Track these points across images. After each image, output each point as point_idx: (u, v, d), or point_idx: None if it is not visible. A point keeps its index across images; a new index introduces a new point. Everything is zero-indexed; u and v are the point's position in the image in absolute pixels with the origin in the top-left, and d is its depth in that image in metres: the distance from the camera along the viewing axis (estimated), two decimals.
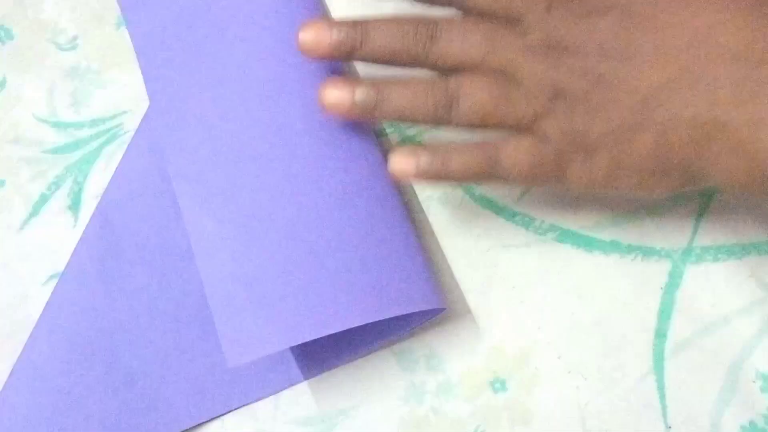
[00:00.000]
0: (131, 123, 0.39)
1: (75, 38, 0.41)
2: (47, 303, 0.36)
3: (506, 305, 0.36)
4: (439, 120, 0.33)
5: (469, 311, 0.36)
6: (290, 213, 0.35)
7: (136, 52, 0.38)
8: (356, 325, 0.33)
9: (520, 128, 0.32)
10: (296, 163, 0.36)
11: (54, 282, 0.37)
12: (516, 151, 0.32)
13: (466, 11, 0.33)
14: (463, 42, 0.32)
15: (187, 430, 0.35)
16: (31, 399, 0.35)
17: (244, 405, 0.35)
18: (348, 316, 0.33)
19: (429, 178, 0.33)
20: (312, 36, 0.34)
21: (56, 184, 0.38)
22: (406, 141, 0.39)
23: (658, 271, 0.36)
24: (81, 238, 0.37)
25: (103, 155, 0.39)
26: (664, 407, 0.35)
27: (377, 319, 0.33)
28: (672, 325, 0.36)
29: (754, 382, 0.35)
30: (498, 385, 0.35)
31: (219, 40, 0.38)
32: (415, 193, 0.38)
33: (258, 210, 0.35)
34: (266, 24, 0.38)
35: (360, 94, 0.33)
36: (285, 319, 0.34)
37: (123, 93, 0.39)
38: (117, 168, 0.38)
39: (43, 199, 0.38)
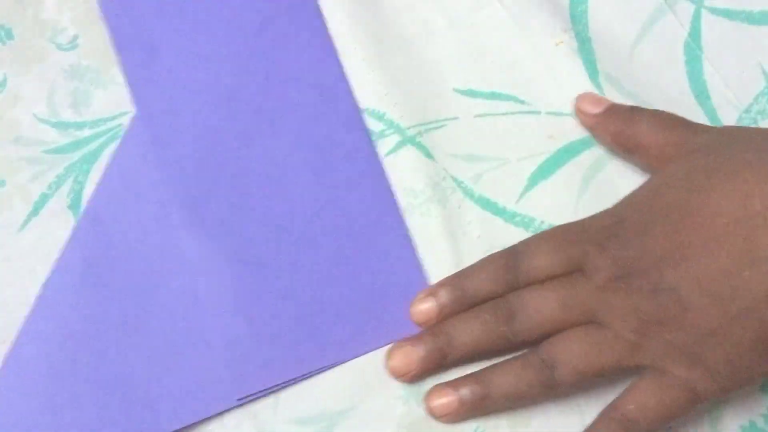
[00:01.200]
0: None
1: (75, 38, 0.41)
2: (36, 301, 0.36)
3: None
4: (548, 391, 0.33)
5: None
6: (294, 243, 0.37)
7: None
8: (364, 354, 0.35)
9: (625, 367, 0.32)
10: (297, 188, 0.38)
11: None
12: (643, 400, 0.32)
13: (532, 284, 0.34)
14: (540, 312, 0.33)
15: (185, 429, 0.35)
16: (19, 398, 0.35)
17: (240, 404, 0.35)
18: (354, 345, 0.36)
19: None
20: (400, 362, 0.34)
21: (57, 184, 0.38)
22: (405, 142, 0.39)
23: None
24: (70, 237, 0.37)
25: (103, 155, 0.39)
26: None
27: (384, 345, 0.36)
28: None
29: None
30: None
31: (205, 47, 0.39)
32: (414, 195, 0.38)
33: (261, 242, 0.37)
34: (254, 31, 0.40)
35: (465, 393, 0.34)
36: (291, 350, 0.35)
37: (123, 93, 0.39)
38: (107, 168, 0.38)
39: (44, 199, 0.38)
